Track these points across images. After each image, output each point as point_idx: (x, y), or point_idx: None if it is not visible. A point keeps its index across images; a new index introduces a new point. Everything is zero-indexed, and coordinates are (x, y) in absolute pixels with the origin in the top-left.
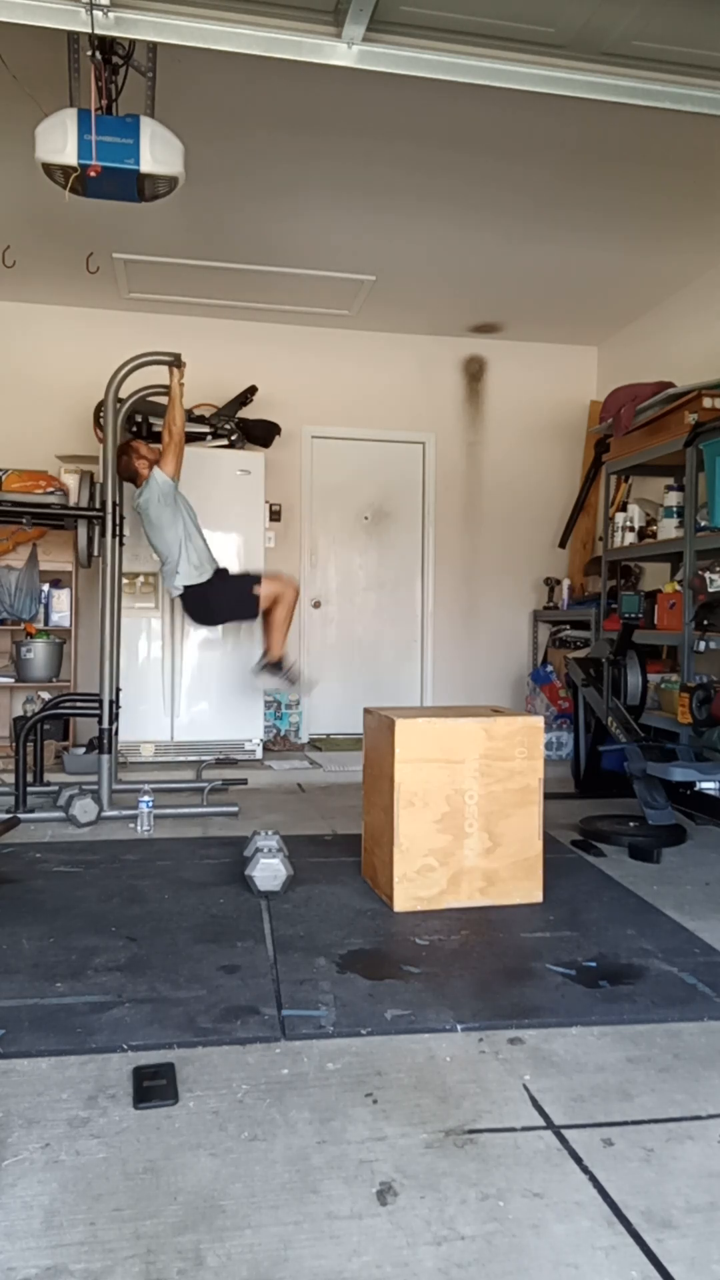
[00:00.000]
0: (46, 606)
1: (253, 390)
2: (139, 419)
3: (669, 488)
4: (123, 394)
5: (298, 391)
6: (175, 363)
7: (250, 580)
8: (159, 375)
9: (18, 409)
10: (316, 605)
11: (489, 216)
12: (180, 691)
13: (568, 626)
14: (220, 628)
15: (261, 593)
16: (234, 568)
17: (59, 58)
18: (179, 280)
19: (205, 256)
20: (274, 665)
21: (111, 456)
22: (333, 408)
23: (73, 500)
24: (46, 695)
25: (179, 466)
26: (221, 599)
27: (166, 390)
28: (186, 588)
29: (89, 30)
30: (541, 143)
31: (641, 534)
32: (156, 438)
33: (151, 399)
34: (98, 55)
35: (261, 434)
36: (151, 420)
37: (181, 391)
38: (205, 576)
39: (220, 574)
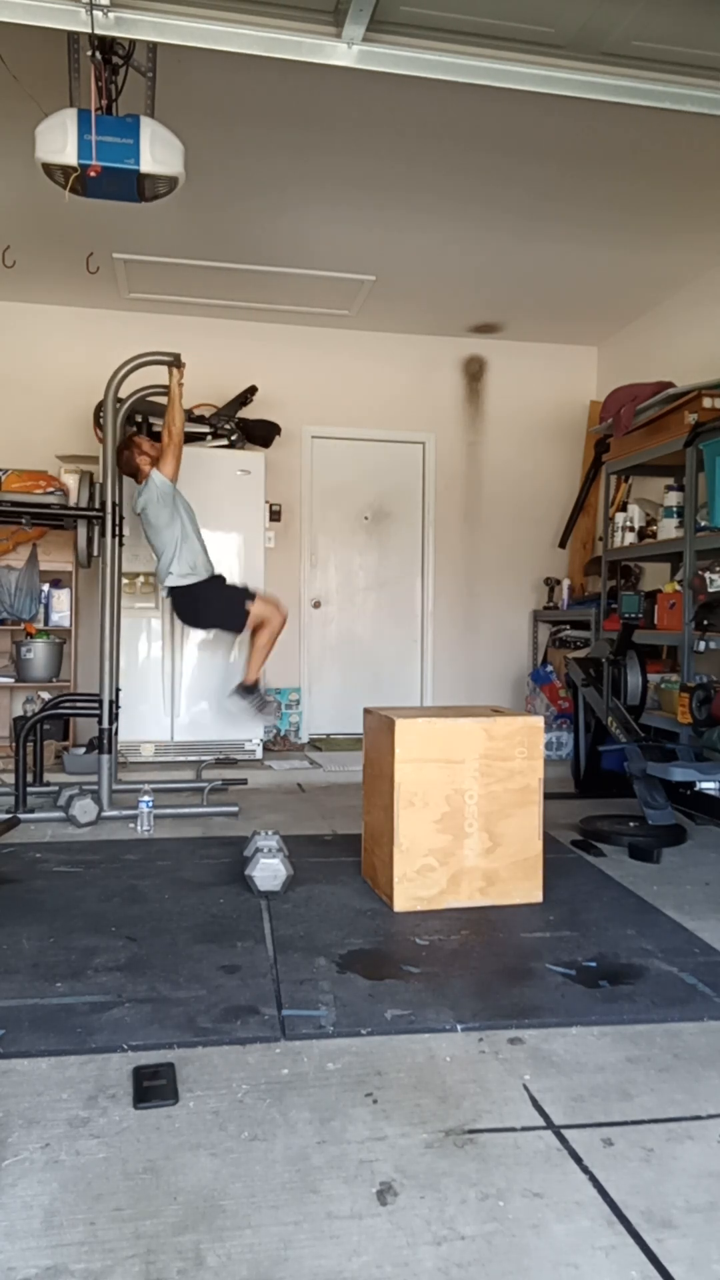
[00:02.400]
0: (46, 606)
1: (253, 390)
2: (139, 419)
3: (669, 488)
4: (123, 394)
5: (298, 391)
6: (175, 363)
7: (245, 594)
8: (159, 375)
9: (18, 409)
10: (316, 605)
11: (489, 216)
12: (180, 691)
13: (568, 626)
14: (212, 631)
15: (252, 610)
16: (234, 577)
17: (59, 58)
18: (179, 280)
19: (205, 256)
20: (247, 689)
21: (111, 456)
22: (333, 408)
23: (72, 500)
24: (46, 695)
25: (177, 467)
26: (212, 604)
27: (166, 390)
28: (172, 588)
29: (89, 30)
30: (542, 142)
31: (641, 534)
32: (157, 438)
33: (151, 399)
34: (98, 55)
35: (261, 434)
36: (152, 420)
37: (181, 392)
38: (197, 579)
39: (216, 579)
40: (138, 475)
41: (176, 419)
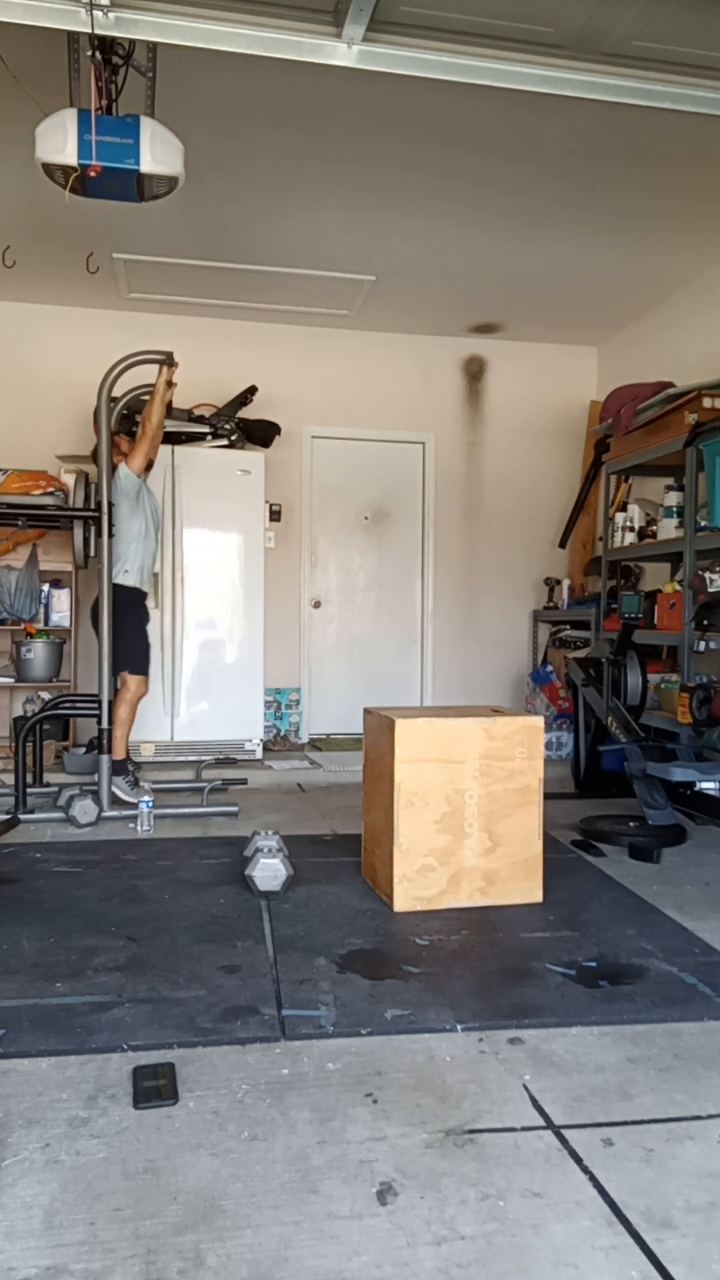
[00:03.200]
0: (46, 606)
1: (253, 390)
2: (139, 418)
3: (669, 488)
4: (117, 393)
5: (298, 391)
6: (167, 361)
7: (142, 659)
8: (154, 375)
9: (18, 409)
10: (316, 605)
11: (489, 216)
12: (180, 691)
13: (568, 626)
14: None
15: (128, 678)
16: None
17: (59, 58)
18: (179, 280)
19: (205, 256)
20: (117, 766)
21: (106, 457)
22: (333, 408)
23: (70, 500)
24: (46, 695)
25: (145, 462)
26: (124, 627)
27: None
28: (117, 586)
29: (89, 30)
30: (542, 142)
31: (641, 534)
32: None
33: (145, 398)
34: (98, 55)
35: (261, 434)
36: None
37: (171, 391)
38: (134, 584)
39: (141, 603)
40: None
41: (154, 414)
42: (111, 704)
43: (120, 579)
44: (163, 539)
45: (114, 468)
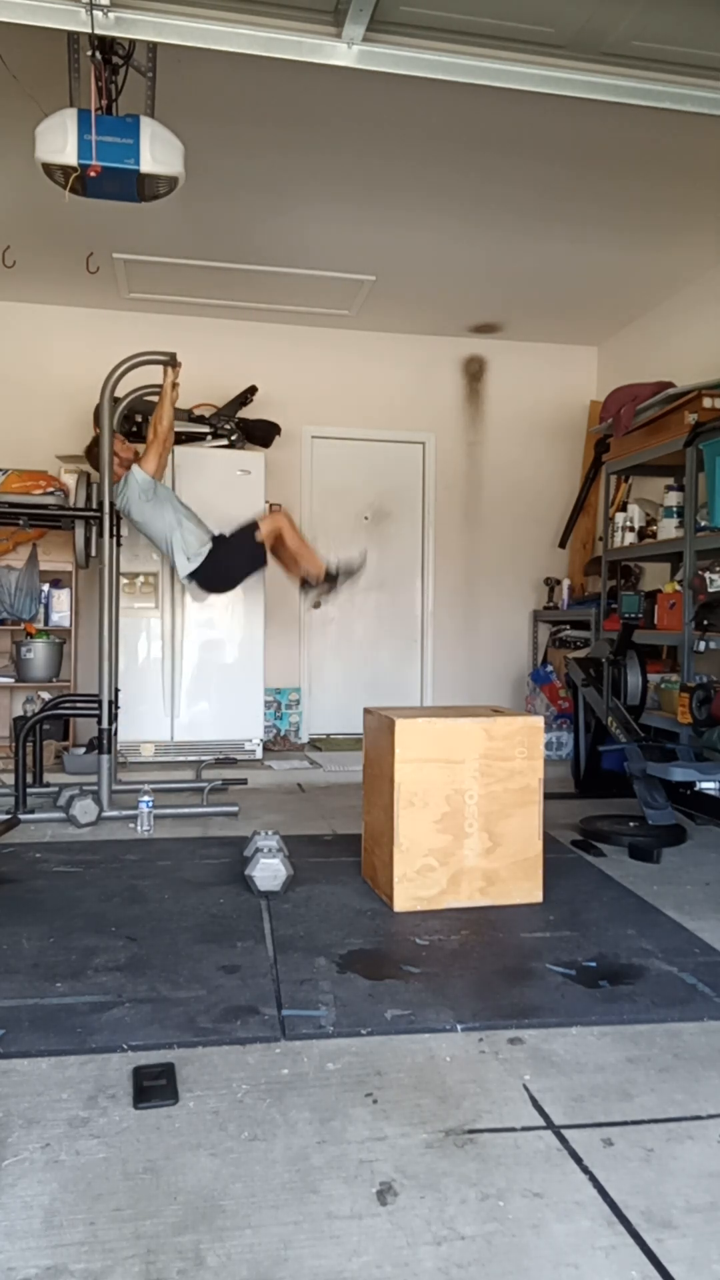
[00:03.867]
0: (46, 606)
1: (253, 390)
2: (139, 419)
3: (669, 488)
4: (119, 394)
5: (298, 391)
6: (170, 362)
7: (248, 532)
8: (157, 375)
9: (18, 409)
10: (316, 605)
11: (489, 216)
12: (180, 691)
13: (568, 626)
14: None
15: (262, 536)
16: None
17: (59, 58)
18: (179, 280)
19: (205, 256)
20: (328, 578)
21: (108, 457)
22: (333, 408)
23: (71, 500)
24: (46, 695)
25: (160, 465)
26: (231, 563)
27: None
28: (191, 574)
29: (89, 30)
30: (542, 142)
31: (641, 534)
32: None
33: (148, 399)
34: (98, 55)
35: (261, 434)
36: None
37: (176, 392)
38: (206, 552)
39: (219, 541)
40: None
41: (164, 417)
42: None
43: (194, 565)
44: (155, 542)
45: (120, 476)
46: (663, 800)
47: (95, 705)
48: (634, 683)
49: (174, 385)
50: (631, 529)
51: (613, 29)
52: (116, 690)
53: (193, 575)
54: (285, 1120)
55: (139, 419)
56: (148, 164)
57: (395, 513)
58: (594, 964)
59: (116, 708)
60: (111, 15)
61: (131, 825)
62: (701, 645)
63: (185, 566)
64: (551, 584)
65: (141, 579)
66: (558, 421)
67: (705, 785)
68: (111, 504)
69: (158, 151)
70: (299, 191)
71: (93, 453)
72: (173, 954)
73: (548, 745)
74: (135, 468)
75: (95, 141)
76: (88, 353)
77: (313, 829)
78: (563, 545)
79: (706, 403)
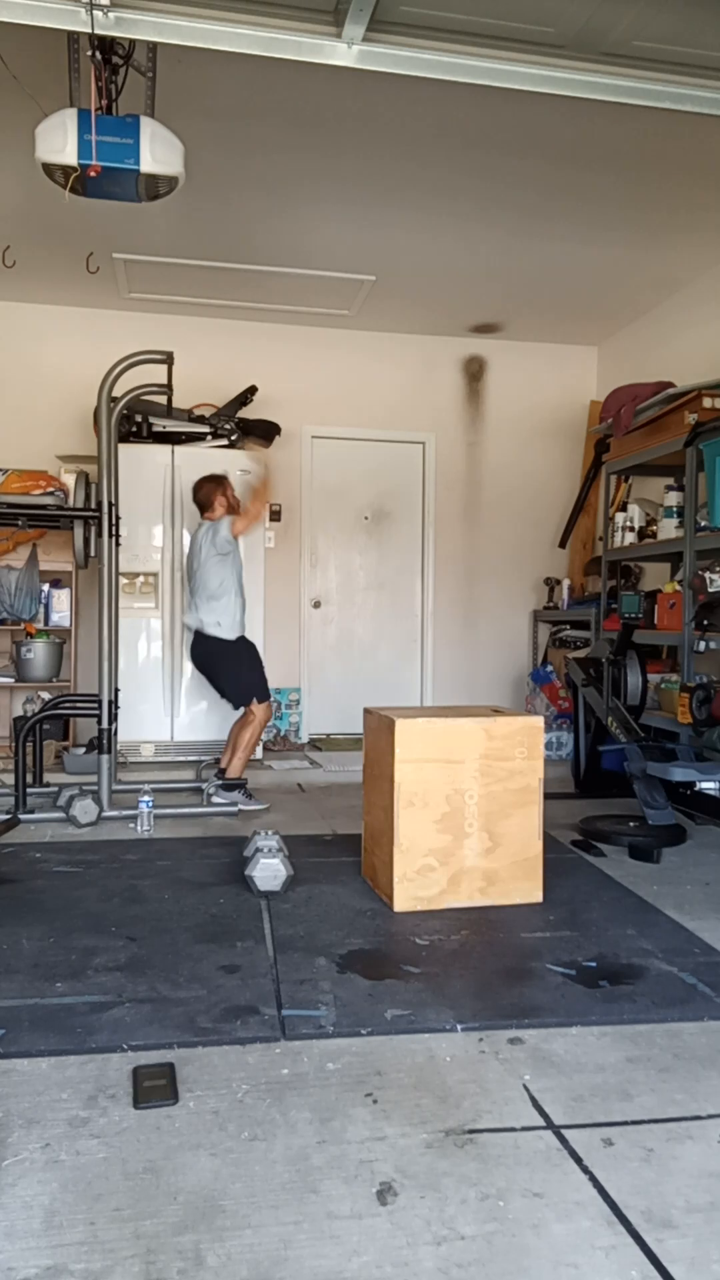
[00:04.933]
0: (46, 606)
1: (253, 390)
2: (139, 418)
3: (669, 488)
4: (118, 394)
5: (298, 391)
6: (168, 362)
7: (262, 690)
8: (156, 374)
9: (18, 409)
10: (316, 605)
11: (489, 216)
12: (180, 691)
13: (568, 626)
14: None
15: (255, 708)
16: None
17: (59, 58)
18: (179, 280)
19: (205, 256)
20: (231, 785)
21: (108, 456)
22: (333, 408)
23: (70, 500)
24: (46, 695)
25: (242, 533)
26: (233, 665)
27: (162, 389)
28: (198, 633)
29: (89, 30)
30: (542, 142)
31: (641, 534)
32: (157, 437)
33: (146, 398)
34: (98, 55)
35: (261, 434)
36: (151, 420)
37: (268, 492)
38: (224, 636)
39: (248, 646)
40: (207, 509)
41: (257, 505)
42: (237, 729)
43: (215, 633)
44: (193, 582)
45: (211, 506)
46: (663, 800)
47: (95, 705)
48: (634, 683)
49: (266, 486)
50: (631, 529)
51: (613, 29)
52: (116, 690)
53: (205, 635)
54: (285, 1120)
55: (138, 418)
56: (148, 164)
57: (395, 513)
58: (594, 964)
59: (116, 708)
60: (111, 15)
61: (131, 825)
62: (701, 645)
63: (213, 629)
64: (551, 584)
65: (141, 579)
66: (558, 421)
67: (705, 785)
68: (110, 504)
69: (158, 151)
70: (299, 191)
71: (204, 487)
72: (173, 954)
73: (548, 745)
74: (228, 520)
75: (95, 141)
76: (88, 352)
77: (313, 829)
78: (563, 545)
79: (706, 403)
